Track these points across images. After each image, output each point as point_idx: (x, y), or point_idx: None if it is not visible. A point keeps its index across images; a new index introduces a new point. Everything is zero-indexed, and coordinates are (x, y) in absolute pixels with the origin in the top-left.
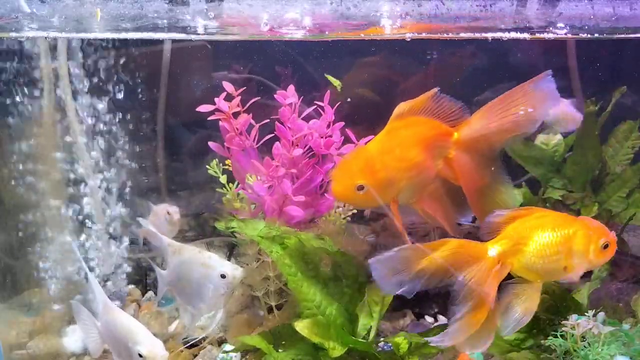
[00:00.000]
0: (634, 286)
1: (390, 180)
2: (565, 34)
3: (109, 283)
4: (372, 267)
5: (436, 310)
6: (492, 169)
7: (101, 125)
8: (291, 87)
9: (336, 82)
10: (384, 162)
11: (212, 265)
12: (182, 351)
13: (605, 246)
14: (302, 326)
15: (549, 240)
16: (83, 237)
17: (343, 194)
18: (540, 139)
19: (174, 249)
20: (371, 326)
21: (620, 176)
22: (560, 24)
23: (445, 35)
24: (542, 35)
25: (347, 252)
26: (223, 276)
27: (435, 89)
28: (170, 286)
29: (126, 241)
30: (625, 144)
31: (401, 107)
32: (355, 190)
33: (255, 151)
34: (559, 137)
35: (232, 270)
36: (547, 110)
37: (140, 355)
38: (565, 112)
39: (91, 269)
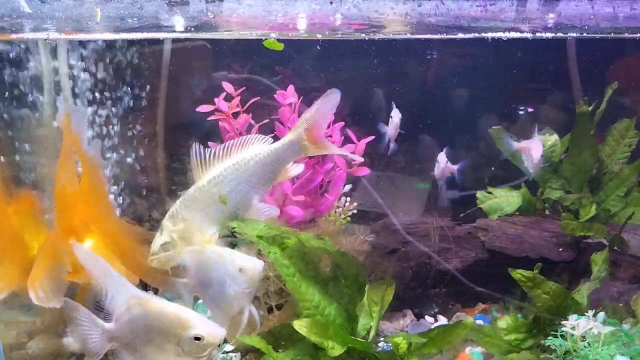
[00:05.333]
0: (634, 286)
1: None
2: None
3: None
4: None
5: (436, 310)
6: None
7: (100, 126)
8: (291, 87)
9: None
10: None
11: (228, 260)
12: None
13: None
14: (300, 325)
15: None
16: None
17: None
18: None
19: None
20: (371, 326)
21: (618, 175)
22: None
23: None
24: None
25: (347, 252)
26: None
27: None
28: (195, 292)
29: None
30: (622, 142)
31: None
32: None
33: None
34: (555, 137)
35: (251, 262)
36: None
37: (197, 339)
38: None
39: None
